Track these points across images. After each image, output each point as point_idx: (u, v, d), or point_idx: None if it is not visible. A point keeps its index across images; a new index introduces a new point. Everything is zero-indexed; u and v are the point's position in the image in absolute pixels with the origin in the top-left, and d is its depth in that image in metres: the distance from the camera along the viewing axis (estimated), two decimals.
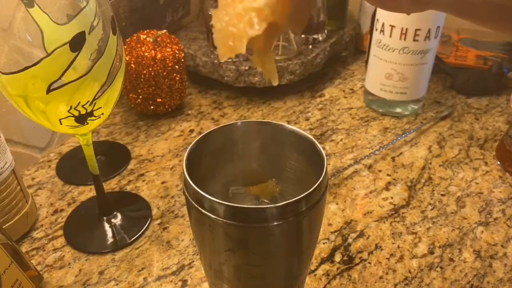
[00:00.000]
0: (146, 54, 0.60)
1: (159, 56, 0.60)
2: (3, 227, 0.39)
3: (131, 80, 0.62)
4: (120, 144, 0.61)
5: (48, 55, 0.33)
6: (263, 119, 0.66)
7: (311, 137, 0.32)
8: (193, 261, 0.44)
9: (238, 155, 0.35)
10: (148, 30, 0.63)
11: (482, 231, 0.47)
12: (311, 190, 0.27)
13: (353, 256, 0.44)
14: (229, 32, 0.22)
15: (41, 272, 0.43)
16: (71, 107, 0.36)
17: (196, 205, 0.28)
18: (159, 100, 0.63)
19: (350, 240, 0.46)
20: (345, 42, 0.79)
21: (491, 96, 0.71)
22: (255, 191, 0.36)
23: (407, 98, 0.65)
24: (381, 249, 0.45)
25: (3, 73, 0.34)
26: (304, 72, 0.70)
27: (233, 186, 0.37)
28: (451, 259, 0.44)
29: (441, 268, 0.43)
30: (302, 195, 0.27)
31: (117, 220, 0.48)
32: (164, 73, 0.61)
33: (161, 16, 0.74)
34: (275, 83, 0.25)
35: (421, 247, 0.45)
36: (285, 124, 0.33)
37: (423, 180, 0.54)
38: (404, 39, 0.59)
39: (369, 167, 0.56)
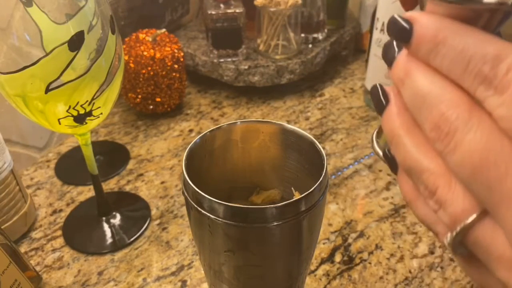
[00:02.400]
0: (145, 53, 0.59)
1: (158, 55, 0.60)
2: (2, 227, 0.39)
3: (130, 80, 0.61)
4: (119, 144, 0.61)
5: (47, 54, 0.32)
6: (263, 118, 0.66)
7: (311, 136, 0.32)
8: (193, 262, 0.44)
9: (238, 155, 0.35)
10: (147, 30, 0.63)
11: None
12: (311, 190, 0.27)
13: (353, 256, 0.44)
14: None
15: (40, 273, 0.42)
16: (69, 106, 0.36)
17: (195, 205, 0.28)
18: (158, 99, 0.63)
19: (350, 240, 0.46)
20: (345, 41, 0.79)
21: None
22: (256, 200, 0.36)
23: None
24: (382, 249, 0.45)
25: (2, 73, 0.33)
26: (304, 71, 0.70)
27: (233, 189, 0.37)
28: (451, 259, 0.43)
29: (442, 268, 0.43)
30: (302, 195, 0.27)
31: (116, 220, 0.48)
32: (163, 73, 0.61)
33: (160, 15, 0.74)
34: None
35: (422, 247, 0.45)
36: (285, 124, 0.33)
37: None
38: None
39: (369, 166, 0.56)
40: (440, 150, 0.17)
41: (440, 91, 0.17)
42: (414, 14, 0.18)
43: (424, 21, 0.17)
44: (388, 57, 0.19)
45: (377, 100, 0.21)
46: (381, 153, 0.23)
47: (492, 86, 0.16)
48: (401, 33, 0.18)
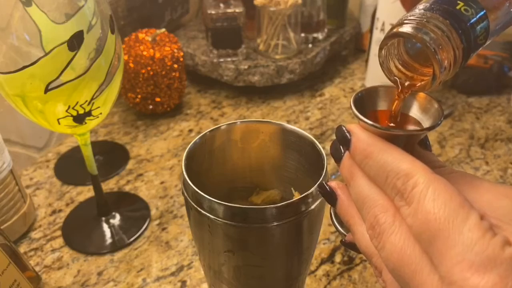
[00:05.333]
0: (144, 53, 0.59)
1: (157, 55, 0.60)
2: (1, 227, 0.39)
3: (129, 80, 0.61)
4: (118, 144, 0.61)
5: (46, 54, 0.32)
6: (263, 118, 0.66)
7: (311, 136, 0.32)
8: (192, 262, 0.44)
9: (238, 155, 0.35)
10: (146, 29, 0.63)
11: None
12: (311, 190, 0.27)
13: (354, 256, 0.44)
14: None
15: (39, 273, 0.42)
16: (69, 106, 0.35)
17: (195, 206, 0.28)
18: (157, 99, 0.63)
19: None
20: (345, 41, 0.79)
21: (492, 95, 0.71)
22: (256, 201, 0.36)
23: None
24: None
25: (1, 73, 0.33)
26: (304, 71, 0.70)
27: (233, 190, 0.36)
28: None
29: None
30: (302, 195, 0.27)
31: (116, 220, 0.48)
32: (163, 72, 0.61)
33: (159, 15, 0.74)
34: None
35: None
36: (285, 124, 0.33)
37: None
38: None
39: None
40: (375, 246, 0.21)
41: (375, 196, 0.21)
42: (353, 128, 0.22)
43: (358, 135, 0.22)
44: (336, 156, 0.24)
45: (328, 196, 0.25)
46: (342, 231, 0.27)
47: (403, 198, 0.20)
48: (343, 140, 0.23)
